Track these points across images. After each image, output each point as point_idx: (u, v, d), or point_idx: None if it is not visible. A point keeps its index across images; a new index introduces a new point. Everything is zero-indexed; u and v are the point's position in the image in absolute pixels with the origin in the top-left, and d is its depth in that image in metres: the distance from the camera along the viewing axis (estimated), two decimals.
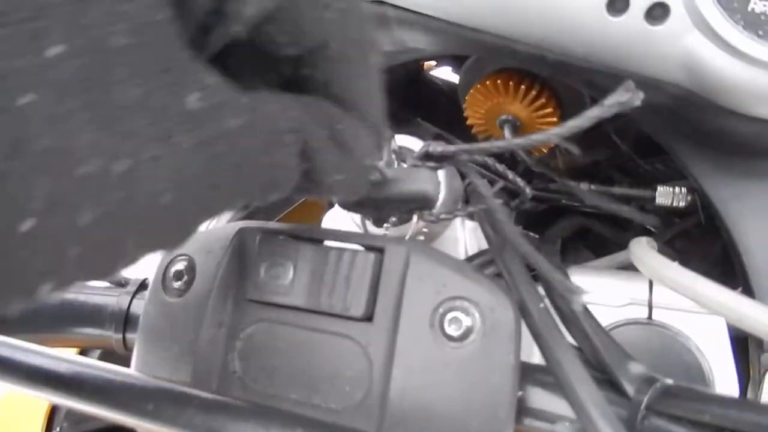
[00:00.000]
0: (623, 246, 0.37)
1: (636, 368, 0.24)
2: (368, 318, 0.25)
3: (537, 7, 0.28)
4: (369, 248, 0.26)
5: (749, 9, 0.25)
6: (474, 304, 0.24)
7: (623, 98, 0.19)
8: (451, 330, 0.24)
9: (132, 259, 0.14)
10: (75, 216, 0.12)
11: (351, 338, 0.25)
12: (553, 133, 0.22)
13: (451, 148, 0.26)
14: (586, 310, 0.27)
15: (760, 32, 0.25)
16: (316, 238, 0.27)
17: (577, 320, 0.27)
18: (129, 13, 0.12)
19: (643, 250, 0.28)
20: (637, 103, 0.19)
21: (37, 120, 0.11)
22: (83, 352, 0.45)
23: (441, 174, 0.30)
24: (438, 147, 0.26)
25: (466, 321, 0.24)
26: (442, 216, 0.27)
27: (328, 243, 0.27)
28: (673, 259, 0.48)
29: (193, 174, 0.14)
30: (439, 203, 0.29)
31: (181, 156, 0.13)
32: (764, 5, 0.25)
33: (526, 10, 0.29)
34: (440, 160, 0.26)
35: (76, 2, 0.11)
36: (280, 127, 0.17)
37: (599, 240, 0.56)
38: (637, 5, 0.26)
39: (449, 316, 0.24)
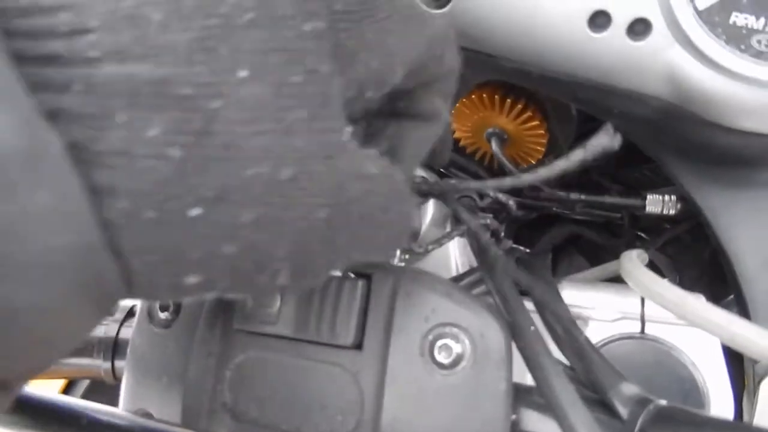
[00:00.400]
0: (616, 252, 0.37)
1: (629, 389, 0.24)
2: (358, 346, 0.25)
3: (519, 24, 0.28)
4: (356, 275, 0.26)
5: (731, 22, 0.25)
6: (464, 330, 0.24)
7: (604, 141, 0.21)
8: (442, 357, 0.23)
9: (274, 276, 0.15)
10: (238, 212, 0.13)
11: (341, 366, 0.25)
12: (540, 174, 0.23)
13: (438, 186, 0.26)
14: (577, 329, 0.27)
15: (742, 46, 0.25)
16: None
17: (569, 340, 0.26)
18: (306, 60, 0.14)
19: (633, 265, 0.28)
20: (617, 146, 0.21)
21: (221, 120, 0.13)
22: (71, 384, 0.44)
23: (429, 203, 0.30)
24: (423, 185, 0.26)
25: (457, 348, 0.23)
26: (430, 247, 0.27)
27: None
28: (666, 265, 0.48)
29: (348, 198, 0.15)
30: (424, 228, 0.29)
31: (340, 177, 0.15)
32: (746, 18, 0.25)
33: (508, 28, 0.28)
34: (425, 195, 0.26)
35: (268, 51, 0.13)
36: (403, 182, 0.18)
37: (591, 246, 0.55)
38: (618, 21, 0.26)
39: (439, 343, 0.24)
